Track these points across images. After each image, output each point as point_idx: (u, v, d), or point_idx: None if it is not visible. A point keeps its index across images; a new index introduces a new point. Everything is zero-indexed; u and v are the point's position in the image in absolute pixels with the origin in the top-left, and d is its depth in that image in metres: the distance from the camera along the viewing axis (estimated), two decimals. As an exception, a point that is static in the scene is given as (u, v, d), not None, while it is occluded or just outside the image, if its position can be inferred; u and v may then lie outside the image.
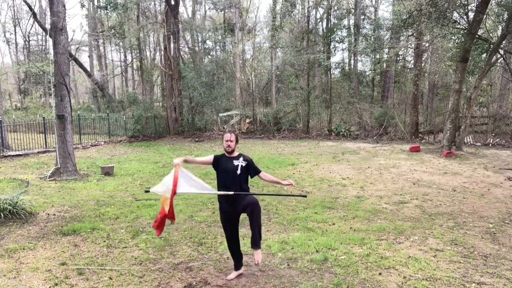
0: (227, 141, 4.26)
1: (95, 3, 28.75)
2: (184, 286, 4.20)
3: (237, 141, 4.35)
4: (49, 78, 24.38)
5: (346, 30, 27.04)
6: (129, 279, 4.36)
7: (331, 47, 24.46)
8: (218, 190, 4.30)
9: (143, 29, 26.37)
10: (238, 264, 4.43)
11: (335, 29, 24.55)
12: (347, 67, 30.07)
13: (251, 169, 4.31)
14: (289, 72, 26.98)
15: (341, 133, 20.52)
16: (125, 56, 34.76)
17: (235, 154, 4.33)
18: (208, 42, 30.74)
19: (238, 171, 4.20)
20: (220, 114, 22.49)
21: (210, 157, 4.36)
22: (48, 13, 11.90)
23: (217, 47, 30.46)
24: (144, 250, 5.18)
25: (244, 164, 4.25)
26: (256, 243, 4.08)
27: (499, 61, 18.85)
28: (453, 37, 17.68)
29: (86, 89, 37.76)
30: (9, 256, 5.03)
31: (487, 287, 4.16)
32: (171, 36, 20.80)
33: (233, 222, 4.29)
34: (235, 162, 4.23)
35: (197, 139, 19.21)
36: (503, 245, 5.32)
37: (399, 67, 25.12)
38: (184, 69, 21.68)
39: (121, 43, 31.15)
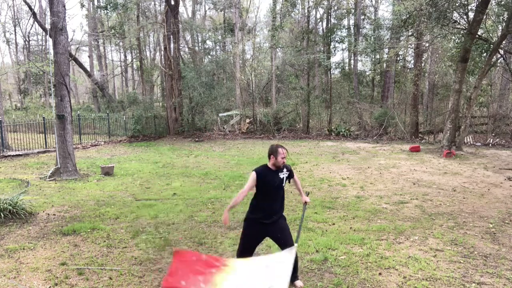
0: (283, 158, 3.99)
1: (95, 3, 28.75)
2: (184, 286, 4.20)
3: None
4: (49, 78, 24.39)
5: (346, 30, 27.10)
6: (129, 279, 4.36)
7: (331, 47, 24.50)
8: (259, 204, 4.02)
9: (143, 29, 26.37)
10: None
11: (335, 29, 24.60)
12: (347, 67, 30.12)
13: (290, 176, 4.23)
14: (289, 72, 27.01)
15: (341, 133, 20.52)
16: (125, 56, 34.78)
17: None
18: (208, 42, 30.81)
19: (283, 183, 4.09)
20: (220, 114, 22.51)
21: (253, 178, 3.95)
22: (48, 13, 11.89)
23: (217, 47, 30.51)
24: (144, 250, 5.18)
25: (287, 175, 4.12)
26: (295, 278, 4.14)
27: (499, 61, 18.85)
28: (453, 37, 17.68)
29: (86, 89, 37.81)
30: (9, 256, 5.03)
31: (487, 287, 4.16)
32: (171, 36, 20.80)
33: (260, 239, 4.14)
34: (281, 175, 4.05)
35: (197, 139, 19.22)
36: (503, 245, 5.32)
37: (399, 67, 25.16)
38: (184, 69, 21.69)
39: (121, 43, 31.16)
